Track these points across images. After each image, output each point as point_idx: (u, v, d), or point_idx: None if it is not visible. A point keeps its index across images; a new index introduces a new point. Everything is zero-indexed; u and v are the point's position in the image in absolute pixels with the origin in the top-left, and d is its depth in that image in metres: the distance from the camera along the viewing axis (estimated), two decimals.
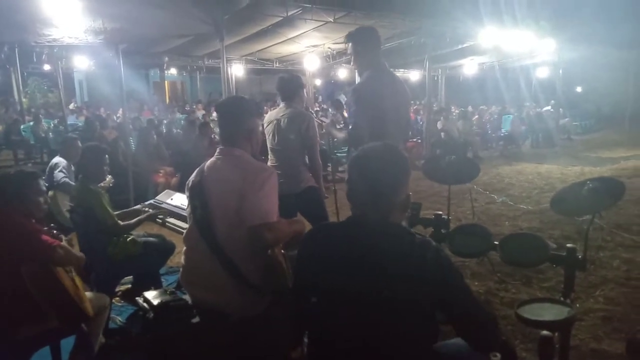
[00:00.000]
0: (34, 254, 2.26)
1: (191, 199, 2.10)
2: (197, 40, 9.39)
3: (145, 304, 2.03)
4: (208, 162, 2.14)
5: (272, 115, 3.70)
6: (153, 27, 6.31)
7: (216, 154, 2.16)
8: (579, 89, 22.69)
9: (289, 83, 3.60)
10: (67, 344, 2.64)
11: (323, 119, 3.98)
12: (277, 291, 2.01)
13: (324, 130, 3.43)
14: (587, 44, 12.44)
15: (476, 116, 13.87)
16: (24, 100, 15.46)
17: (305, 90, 3.72)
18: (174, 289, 2.16)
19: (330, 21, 8.44)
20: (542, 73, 16.83)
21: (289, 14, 7.92)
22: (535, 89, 17.09)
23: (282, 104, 3.63)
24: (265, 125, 3.72)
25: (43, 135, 10.40)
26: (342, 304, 1.43)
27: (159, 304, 1.97)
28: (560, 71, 14.06)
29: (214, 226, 1.99)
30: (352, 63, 3.07)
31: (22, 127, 11.04)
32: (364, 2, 8.11)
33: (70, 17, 5.16)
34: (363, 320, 1.40)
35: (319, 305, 1.49)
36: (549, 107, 14.93)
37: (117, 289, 3.77)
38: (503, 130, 14.04)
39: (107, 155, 3.44)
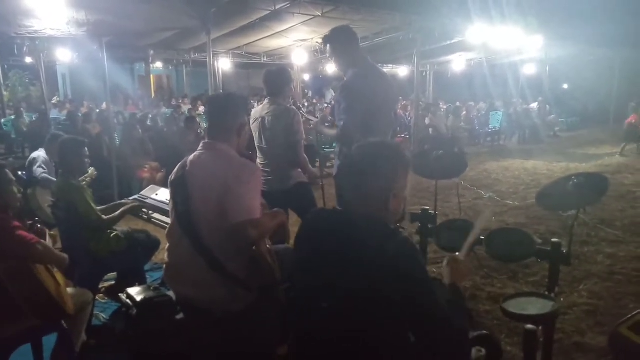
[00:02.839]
0: (13, 251, 2.20)
1: (173, 194, 2.07)
2: (183, 34, 9.28)
3: (128, 300, 2.00)
4: (191, 157, 2.11)
5: (256, 112, 3.63)
6: (138, 20, 6.20)
7: (199, 148, 2.12)
8: (565, 86, 22.95)
9: (277, 78, 3.51)
10: (50, 342, 2.59)
11: (311, 117, 3.90)
12: (263, 286, 1.98)
13: (311, 126, 3.40)
14: (574, 41, 12.58)
15: (464, 112, 13.95)
16: (5, 93, 15.17)
17: (292, 86, 3.67)
18: (158, 285, 2.12)
19: (319, 15, 8.40)
20: (530, 70, 16.97)
21: (277, 7, 7.86)
22: (522, 86, 17.23)
23: (266, 100, 3.57)
24: (251, 123, 3.68)
25: (25, 129, 10.20)
26: (315, 296, 1.41)
27: (142, 300, 1.94)
28: (547, 68, 14.18)
29: (197, 222, 1.96)
30: (334, 64, 3.06)
31: (2, 121, 10.83)
32: None
33: (52, 8, 5.05)
34: (335, 314, 1.38)
35: (296, 298, 1.48)
36: (535, 104, 15.08)
37: (101, 286, 3.71)
38: (491, 127, 14.17)
39: (85, 148, 3.36)
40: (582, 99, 19.23)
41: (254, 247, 1.96)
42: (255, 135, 3.60)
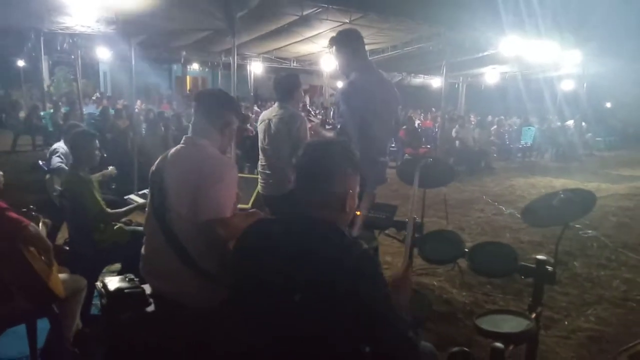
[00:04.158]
0: (4, 231, 2.26)
1: (151, 186, 2.09)
2: (214, 36, 9.48)
3: (102, 290, 2.03)
4: (172, 150, 2.13)
5: (265, 115, 3.68)
6: (165, 21, 6.36)
7: (181, 142, 2.14)
8: (608, 105, 22.10)
9: (285, 83, 3.56)
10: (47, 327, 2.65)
11: (312, 119, 3.93)
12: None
13: (312, 132, 3.40)
14: (615, 57, 12.10)
15: (495, 126, 13.65)
16: (50, 88, 15.91)
17: (301, 90, 3.68)
18: (134, 276, 2.14)
19: (347, 22, 8.40)
20: (567, 86, 16.43)
21: (304, 13, 7.93)
22: (560, 102, 16.70)
23: (275, 104, 3.61)
24: (258, 124, 3.72)
25: (61, 122, 10.64)
26: (263, 302, 1.38)
27: (113, 290, 1.96)
28: (585, 85, 13.69)
29: (171, 216, 1.97)
30: (337, 66, 3.05)
31: (42, 114, 11.33)
32: (381, 4, 8.05)
33: (83, 5, 5.26)
34: (281, 322, 1.35)
35: (246, 303, 1.46)
36: (572, 122, 14.59)
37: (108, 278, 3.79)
38: (522, 142, 13.80)
39: (96, 141, 3.46)
40: (623, 117, 18.47)
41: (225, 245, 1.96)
42: (260, 137, 3.63)
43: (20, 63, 16.99)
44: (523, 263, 2.09)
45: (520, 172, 10.98)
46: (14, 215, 2.30)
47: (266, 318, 1.41)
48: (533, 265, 1.99)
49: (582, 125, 14.24)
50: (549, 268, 1.97)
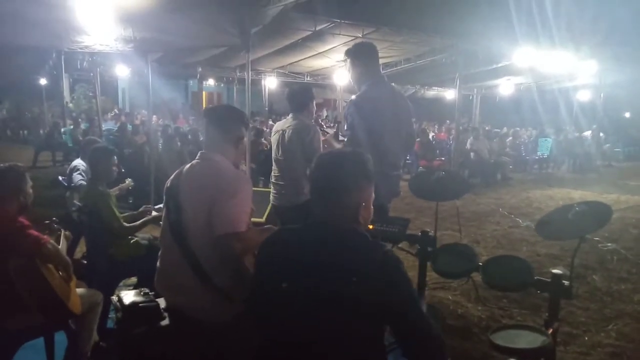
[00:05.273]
0: (23, 248, 2.31)
1: (166, 201, 2.12)
2: (229, 52, 9.64)
3: (118, 303, 2.06)
4: (187, 166, 2.16)
5: (278, 125, 3.73)
6: (181, 37, 6.51)
7: (196, 158, 2.17)
8: (627, 114, 21.77)
9: (298, 95, 3.62)
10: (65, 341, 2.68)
11: (327, 130, 4.01)
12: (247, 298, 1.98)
13: (326, 145, 3.43)
14: (633, 66, 11.92)
15: (510, 138, 13.52)
16: (70, 105, 16.29)
17: (314, 103, 3.73)
18: (149, 291, 2.16)
19: (359, 36, 8.47)
20: (584, 96, 16.24)
21: (317, 28, 8.03)
22: (576, 113, 16.50)
23: (289, 116, 3.66)
24: (271, 136, 3.76)
25: (80, 138, 10.86)
26: (288, 307, 1.41)
27: (128, 304, 1.99)
28: (602, 95, 13.51)
29: (187, 231, 1.99)
30: (350, 78, 3.07)
31: (62, 130, 11.60)
32: (393, 18, 8.11)
33: (101, 25, 5.41)
34: (307, 325, 1.37)
35: (269, 310, 1.47)
36: (589, 132, 14.40)
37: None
38: (539, 153, 13.65)
39: (114, 156, 3.53)
40: None
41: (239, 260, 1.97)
42: (274, 147, 3.67)
43: (42, 81, 17.47)
44: (538, 277, 2.06)
45: (537, 183, 10.84)
46: (34, 233, 2.36)
47: (289, 326, 1.43)
48: (548, 280, 1.96)
49: (599, 135, 14.03)
50: (565, 282, 1.94)
